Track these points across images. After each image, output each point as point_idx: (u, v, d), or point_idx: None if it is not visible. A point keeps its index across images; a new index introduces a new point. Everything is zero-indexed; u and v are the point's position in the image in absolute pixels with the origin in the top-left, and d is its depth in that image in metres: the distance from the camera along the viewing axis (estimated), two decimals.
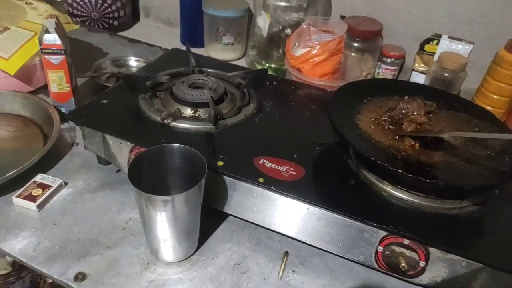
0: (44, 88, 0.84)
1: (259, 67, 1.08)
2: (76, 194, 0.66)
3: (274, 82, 0.83)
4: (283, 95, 0.80)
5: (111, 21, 1.26)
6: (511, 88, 0.89)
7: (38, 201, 0.61)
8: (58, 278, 0.53)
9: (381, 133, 0.60)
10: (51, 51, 0.72)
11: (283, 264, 0.57)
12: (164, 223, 0.51)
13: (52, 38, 0.71)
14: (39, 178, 0.65)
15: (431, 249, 0.50)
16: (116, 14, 1.25)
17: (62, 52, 0.73)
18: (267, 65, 1.08)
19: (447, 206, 0.54)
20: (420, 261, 0.51)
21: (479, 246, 0.50)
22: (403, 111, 0.62)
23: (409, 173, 0.50)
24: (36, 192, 0.63)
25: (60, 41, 0.72)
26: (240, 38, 1.16)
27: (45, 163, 0.68)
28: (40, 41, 0.72)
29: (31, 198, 0.62)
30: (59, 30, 0.73)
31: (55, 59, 0.73)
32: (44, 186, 0.64)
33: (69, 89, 0.77)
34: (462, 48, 0.96)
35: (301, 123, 0.71)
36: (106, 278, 0.54)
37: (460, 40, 0.96)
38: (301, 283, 0.55)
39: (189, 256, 0.57)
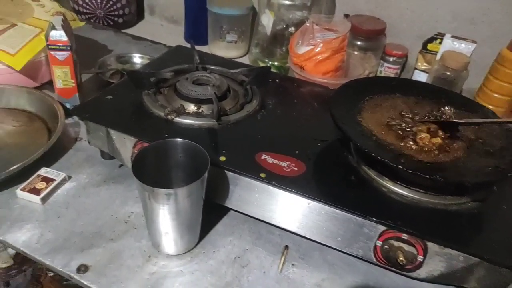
0: (49, 84, 0.85)
1: (262, 64, 1.08)
2: (80, 188, 0.66)
3: (277, 80, 0.83)
4: (286, 92, 0.80)
5: (116, 19, 1.27)
6: None
7: (42, 194, 0.62)
8: (60, 269, 0.54)
9: (383, 131, 0.60)
10: (57, 47, 0.73)
11: (283, 258, 0.58)
12: (167, 216, 0.52)
13: (59, 35, 0.72)
14: (43, 172, 0.66)
15: (429, 244, 0.50)
16: (121, 12, 1.26)
17: (68, 48, 0.74)
18: (270, 63, 1.08)
19: (446, 202, 0.54)
20: (418, 256, 0.51)
21: (477, 241, 0.51)
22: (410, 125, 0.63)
23: (409, 169, 0.51)
24: (40, 185, 0.64)
25: (66, 38, 0.73)
26: (244, 36, 1.16)
27: (49, 157, 0.69)
28: (47, 38, 0.73)
29: (35, 191, 0.63)
30: (66, 27, 0.74)
31: (61, 55, 0.74)
32: (48, 180, 0.65)
33: (74, 85, 0.78)
34: (465, 47, 0.96)
35: (303, 120, 0.72)
36: (109, 270, 0.54)
37: (463, 39, 0.96)
38: (301, 276, 0.56)
39: (191, 249, 0.58)
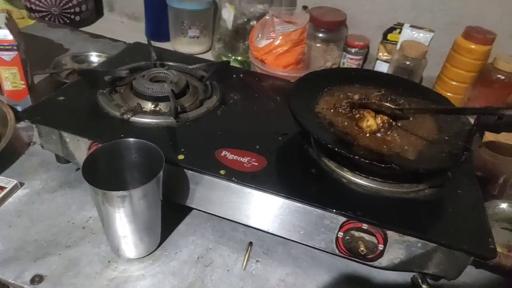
0: None
1: (225, 59, 1.07)
2: (33, 194, 0.63)
3: (239, 75, 0.82)
4: (247, 87, 0.79)
5: (72, 16, 1.22)
6: (469, 74, 0.91)
7: None
8: (13, 282, 0.51)
9: (340, 121, 0.60)
10: (2, 47, 0.69)
11: (247, 254, 0.58)
12: (123, 219, 0.50)
13: (3, 34, 0.68)
14: None
15: (389, 232, 0.51)
16: (77, 9, 1.22)
17: (15, 48, 0.70)
18: (233, 57, 1.07)
19: (404, 190, 0.55)
20: (379, 245, 0.52)
21: (434, 227, 0.52)
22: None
23: (366, 159, 0.51)
24: None
25: (11, 37, 0.69)
26: (206, 31, 1.15)
27: None
28: None
29: None
30: (11, 25, 0.70)
31: (7, 56, 0.70)
32: None
33: (24, 86, 0.74)
34: (423, 37, 0.98)
35: (264, 114, 0.71)
36: (65, 279, 0.52)
37: (421, 28, 0.98)
38: (265, 272, 0.56)
39: (152, 252, 0.57)
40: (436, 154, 0.55)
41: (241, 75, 0.82)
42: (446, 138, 0.58)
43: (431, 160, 0.53)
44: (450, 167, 0.55)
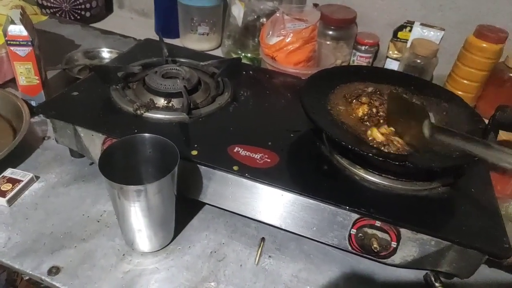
0: (13, 82, 0.81)
1: (235, 56, 1.07)
2: (49, 188, 0.64)
3: (249, 71, 0.83)
4: (258, 83, 0.80)
5: (83, 13, 1.22)
6: (480, 73, 0.91)
7: (8, 196, 0.60)
8: (31, 272, 0.52)
9: (352, 118, 0.60)
10: (17, 42, 0.70)
11: (260, 250, 0.58)
12: (138, 213, 0.51)
13: (18, 29, 0.69)
14: (9, 173, 0.64)
15: (402, 230, 0.51)
16: (88, 5, 1.22)
17: (29, 43, 0.70)
18: (243, 54, 1.07)
19: (417, 188, 0.55)
20: (392, 242, 0.52)
21: (448, 225, 0.52)
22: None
23: (379, 156, 0.51)
24: (6, 187, 0.61)
25: (26, 32, 0.69)
26: (216, 28, 1.15)
27: (15, 158, 0.67)
28: (5, 33, 0.69)
29: (1, 193, 0.60)
30: (25, 21, 0.71)
31: (22, 51, 0.71)
32: (14, 181, 0.62)
33: (38, 81, 0.75)
34: (433, 35, 0.98)
35: (276, 111, 0.71)
36: (81, 271, 0.53)
37: (432, 26, 0.98)
38: (278, 268, 0.56)
39: (165, 246, 0.57)
40: (449, 152, 0.55)
41: (252, 72, 0.83)
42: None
43: (445, 158, 0.53)
44: (464, 165, 0.55)
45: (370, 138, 0.56)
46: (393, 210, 0.52)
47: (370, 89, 0.64)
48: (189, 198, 0.60)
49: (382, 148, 0.55)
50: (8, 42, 0.69)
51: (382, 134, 0.57)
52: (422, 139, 0.52)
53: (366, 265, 0.58)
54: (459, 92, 0.93)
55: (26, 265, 0.53)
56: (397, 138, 0.56)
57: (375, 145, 0.55)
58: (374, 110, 0.61)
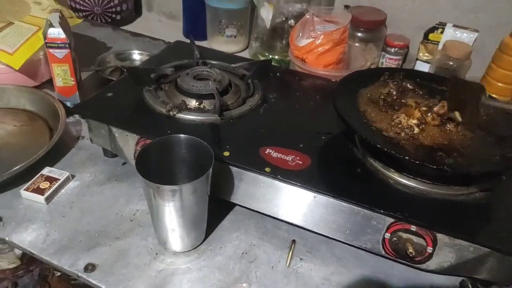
0: (49, 83, 0.84)
1: (262, 58, 1.07)
2: (83, 186, 0.66)
3: (278, 73, 0.83)
4: (288, 85, 0.80)
5: (113, 16, 1.26)
6: None
7: (46, 194, 0.62)
8: (68, 269, 0.54)
9: (386, 121, 0.59)
10: (56, 45, 0.72)
11: (291, 252, 0.58)
12: (172, 213, 0.52)
13: (57, 32, 0.71)
14: (46, 171, 0.66)
15: (439, 235, 0.50)
16: (118, 9, 1.25)
17: (67, 46, 0.73)
18: (270, 56, 1.08)
19: (453, 192, 0.54)
20: (428, 247, 0.51)
21: (487, 231, 0.50)
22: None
23: (416, 159, 0.50)
24: (44, 185, 0.63)
25: (64, 35, 0.72)
26: (243, 30, 1.15)
27: (52, 157, 0.69)
28: (45, 35, 0.72)
29: (39, 191, 0.62)
30: (63, 24, 0.73)
31: (60, 53, 0.73)
32: (51, 179, 0.64)
33: (73, 83, 0.77)
34: (466, 37, 0.95)
35: (306, 113, 0.71)
36: (116, 269, 0.54)
37: (465, 28, 0.96)
38: (309, 270, 0.56)
39: (197, 246, 0.58)
40: (488, 156, 0.53)
41: (281, 74, 0.83)
42: (496, 139, 0.56)
43: (484, 163, 0.52)
44: (504, 171, 0.53)
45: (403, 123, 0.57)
46: (428, 214, 0.51)
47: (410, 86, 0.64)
48: (220, 199, 0.60)
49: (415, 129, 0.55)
50: (47, 44, 0.72)
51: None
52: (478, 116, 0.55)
53: (400, 271, 0.57)
54: (494, 95, 0.91)
55: (64, 262, 0.54)
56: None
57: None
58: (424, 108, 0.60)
